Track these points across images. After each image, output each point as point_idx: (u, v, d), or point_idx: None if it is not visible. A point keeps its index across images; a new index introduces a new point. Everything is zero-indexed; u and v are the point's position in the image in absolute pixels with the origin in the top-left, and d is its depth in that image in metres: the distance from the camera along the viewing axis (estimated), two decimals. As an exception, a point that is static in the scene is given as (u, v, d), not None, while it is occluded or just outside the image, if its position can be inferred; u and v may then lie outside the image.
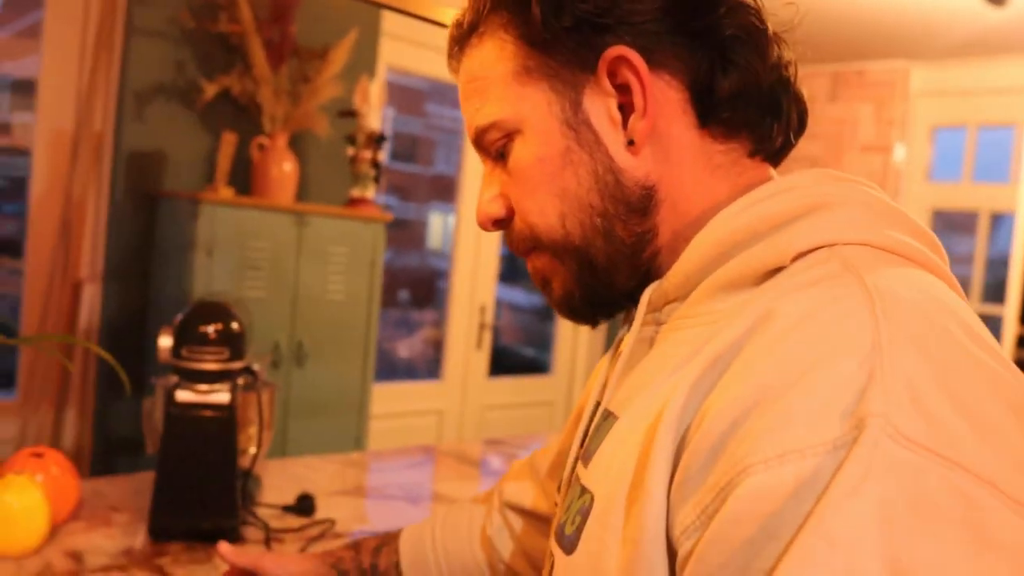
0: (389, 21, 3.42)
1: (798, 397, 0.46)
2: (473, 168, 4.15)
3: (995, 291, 4.42)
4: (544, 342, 4.89)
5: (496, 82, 0.66)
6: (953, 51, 4.28)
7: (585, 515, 0.58)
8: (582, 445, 0.67)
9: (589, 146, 0.63)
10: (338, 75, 2.90)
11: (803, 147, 3.71)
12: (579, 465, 0.65)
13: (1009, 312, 3.75)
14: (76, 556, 1.22)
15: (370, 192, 2.99)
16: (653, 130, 0.63)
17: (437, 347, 4.30)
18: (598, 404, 0.68)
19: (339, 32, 2.96)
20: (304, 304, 2.82)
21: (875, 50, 4.48)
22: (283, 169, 2.86)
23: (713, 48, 0.62)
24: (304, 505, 1.46)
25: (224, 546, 1.01)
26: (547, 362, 4.77)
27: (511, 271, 4.56)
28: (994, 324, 3.83)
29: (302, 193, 3.03)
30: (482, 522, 0.98)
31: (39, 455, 1.30)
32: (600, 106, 0.63)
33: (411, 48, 3.72)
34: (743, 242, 0.58)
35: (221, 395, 1.28)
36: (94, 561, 1.20)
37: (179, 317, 1.31)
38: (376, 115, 2.96)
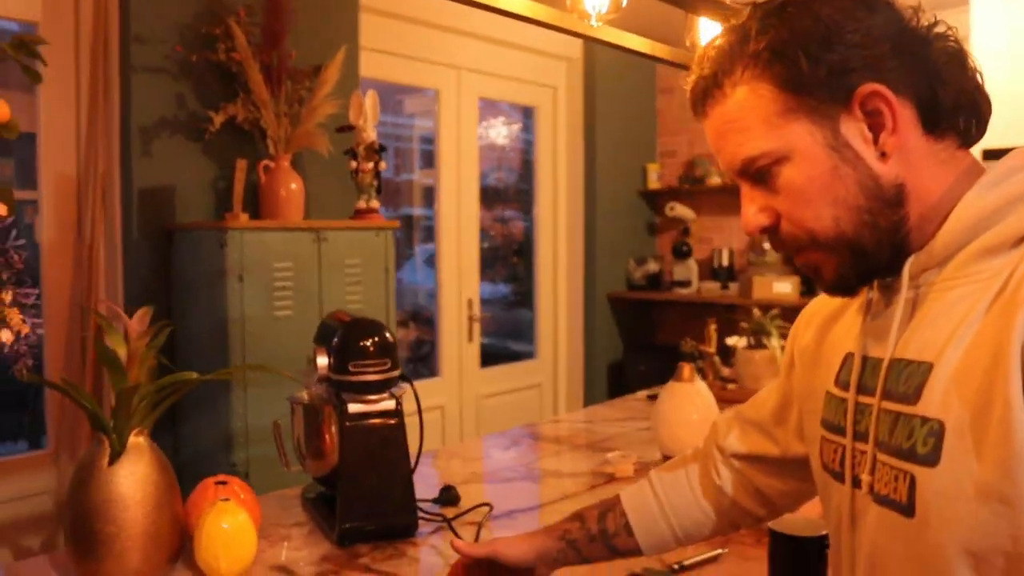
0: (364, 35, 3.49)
1: None
2: (449, 173, 4.26)
3: None
4: (517, 330, 5.05)
5: (757, 121, 0.83)
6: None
7: (938, 436, 0.74)
8: (861, 390, 0.85)
9: (851, 162, 0.81)
10: (330, 92, 2.97)
11: None
12: (886, 403, 0.81)
13: None
14: (285, 569, 1.31)
15: (375, 202, 3.08)
16: (899, 142, 0.81)
17: (418, 345, 4.40)
18: (864, 357, 0.87)
19: (323, 50, 3.03)
20: (330, 317, 2.90)
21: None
22: (290, 189, 2.92)
23: (930, 72, 0.81)
24: (450, 495, 1.57)
25: (458, 541, 1.13)
26: (523, 349, 4.94)
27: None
28: None
29: (309, 210, 3.09)
30: (699, 475, 1.14)
31: (223, 483, 1.38)
32: (855, 130, 0.81)
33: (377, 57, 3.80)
34: (991, 217, 0.78)
35: (387, 403, 1.39)
36: (306, 571, 1.30)
37: (335, 338, 1.41)
38: (372, 127, 3.04)
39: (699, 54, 0.89)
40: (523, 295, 5.15)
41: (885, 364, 0.82)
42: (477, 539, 1.41)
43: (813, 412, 0.96)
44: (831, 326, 0.98)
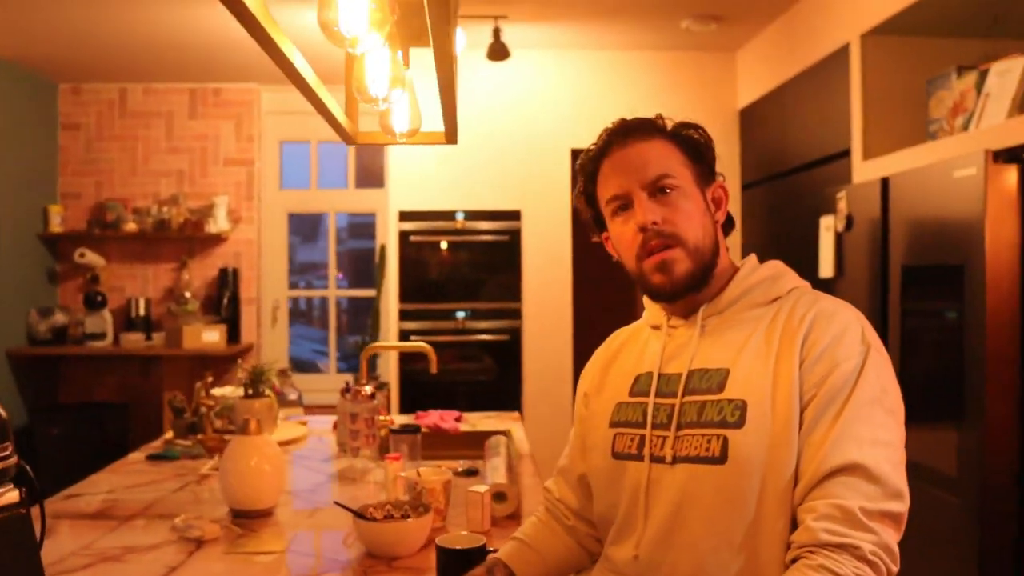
0: None
1: (847, 336, 1.14)
2: None
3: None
4: None
5: (673, 160, 1.24)
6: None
7: (743, 409, 1.13)
8: (659, 395, 1.24)
9: (709, 214, 1.26)
10: None
11: (170, 161, 4.42)
12: (689, 397, 1.19)
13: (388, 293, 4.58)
14: None
15: None
16: (720, 220, 1.29)
17: None
18: (660, 374, 1.26)
19: None
20: None
21: (230, 73, 4.89)
22: None
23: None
24: None
25: None
26: None
27: None
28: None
29: None
30: (559, 522, 1.43)
31: None
32: (710, 199, 1.28)
33: None
34: (754, 288, 1.25)
35: (11, 494, 1.18)
36: None
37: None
38: None
39: (625, 117, 1.29)
40: None
41: (685, 374, 1.21)
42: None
43: (597, 427, 1.31)
44: (609, 368, 1.37)
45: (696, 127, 1.29)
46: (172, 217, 5.00)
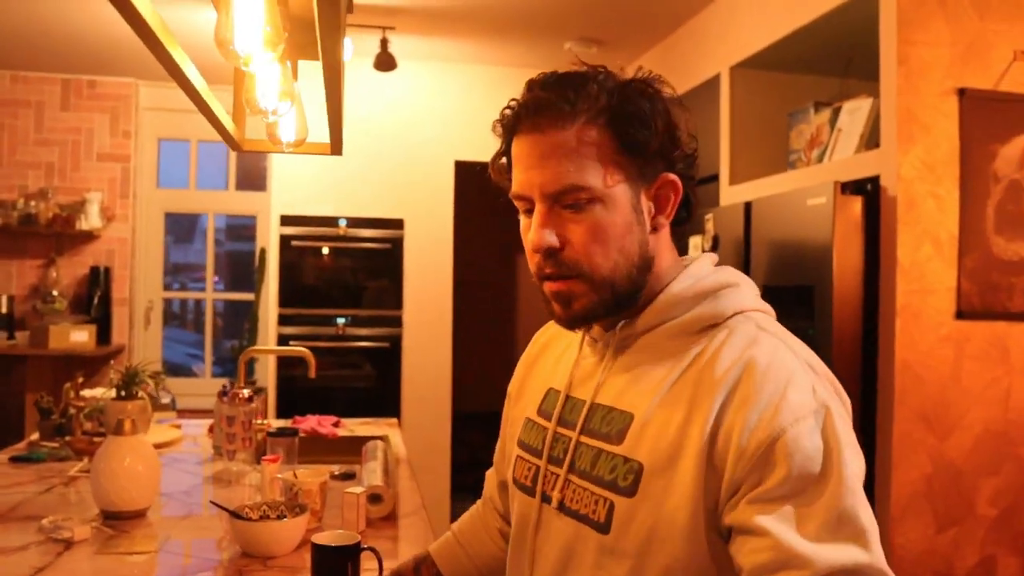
0: None
1: (792, 396, 0.87)
2: None
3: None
4: None
5: (593, 159, 0.94)
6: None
7: (637, 474, 0.91)
8: (561, 423, 1.05)
9: (640, 225, 0.97)
10: None
11: (39, 153, 4.39)
12: (585, 438, 1.00)
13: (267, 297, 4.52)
14: None
15: None
16: (663, 224, 1.01)
17: None
18: (567, 396, 1.06)
19: None
20: None
21: (106, 66, 4.75)
22: None
23: (691, 181, 1.02)
24: None
25: None
26: None
27: None
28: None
29: None
30: (486, 520, 1.34)
31: None
32: (645, 204, 0.98)
33: None
34: (680, 306, 0.98)
35: None
36: None
37: None
38: None
39: (542, 78, 0.98)
40: None
41: (586, 408, 1.01)
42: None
43: (512, 436, 1.16)
44: (532, 370, 1.18)
45: (650, 95, 0.97)
46: (40, 212, 4.80)
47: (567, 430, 1.03)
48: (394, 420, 3.28)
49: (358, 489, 1.83)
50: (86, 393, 2.92)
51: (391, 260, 4.62)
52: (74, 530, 1.71)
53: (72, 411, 2.69)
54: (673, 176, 0.99)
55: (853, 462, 0.85)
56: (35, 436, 2.72)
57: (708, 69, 3.72)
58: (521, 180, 0.98)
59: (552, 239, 0.96)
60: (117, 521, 1.85)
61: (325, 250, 4.57)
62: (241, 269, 5.77)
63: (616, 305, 0.99)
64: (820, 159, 2.96)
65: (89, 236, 4.94)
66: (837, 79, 3.31)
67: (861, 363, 2.51)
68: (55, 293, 4.88)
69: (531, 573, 1.05)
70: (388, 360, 4.61)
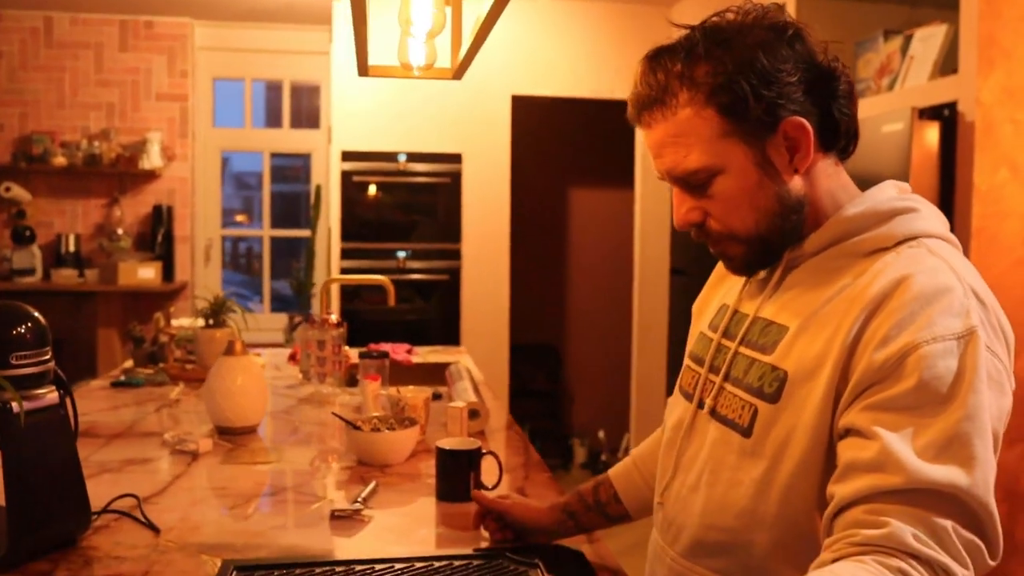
0: None
1: (939, 315, 0.86)
2: None
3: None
4: None
5: (700, 140, 0.97)
6: (231, 15, 4.89)
7: (782, 382, 0.96)
8: (726, 335, 1.09)
9: (772, 177, 0.99)
10: None
11: (100, 94, 4.50)
12: (744, 349, 1.04)
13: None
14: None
15: None
16: (807, 162, 0.99)
17: None
18: (735, 311, 1.10)
19: None
20: None
21: (162, 6, 4.79)
22: None
23: (832, 107, 0.99)
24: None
25: (477, 492, 1.35)
26: None
27: None
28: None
29: None
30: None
31: None
32: (777, 152, 0.98)
33: None
34: (857, 226, 0.98)
35: (52, 396, 1.26)
36: None
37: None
38: None
39: (641, 68, 1.01)
40: None
41: (749, 320, 1.06)
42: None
43: (689, 351, 1.20)
44: (716, 288, 1.23)
45: (740, 53, 0.95)
46: (104, 152, 4.90)
47: (729, 341, 1.08)
48: (462, 348, 3.37)
49: (460, 403, 1.92)
50: (174, 323, 3.04)
51: (450, 194, 4.67)
52: (199, 443, 1.82)
53: (164, 339, 2.81)
54: (796, 119, 0.97)
55: (986, 395, 0.85)
56: (129, 363, 2.84)
57: (770, -2, 3.68)
58: (655, 165, 1.04)
59: (692, 216, 1.03)
60: (232, 436, 1.96)
61: (385, 185, 4.64)
62: (283, 209, 5.86)
63: (775, 250, 1.03)
64: (891, 87, 2.95)
65: (151, 175, 5.04)
66: (906, 7, 3.27)
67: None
68: (120, 231, 5.01)
69: (675, 473, 1.11)
70: (447, 293, 4.70)
